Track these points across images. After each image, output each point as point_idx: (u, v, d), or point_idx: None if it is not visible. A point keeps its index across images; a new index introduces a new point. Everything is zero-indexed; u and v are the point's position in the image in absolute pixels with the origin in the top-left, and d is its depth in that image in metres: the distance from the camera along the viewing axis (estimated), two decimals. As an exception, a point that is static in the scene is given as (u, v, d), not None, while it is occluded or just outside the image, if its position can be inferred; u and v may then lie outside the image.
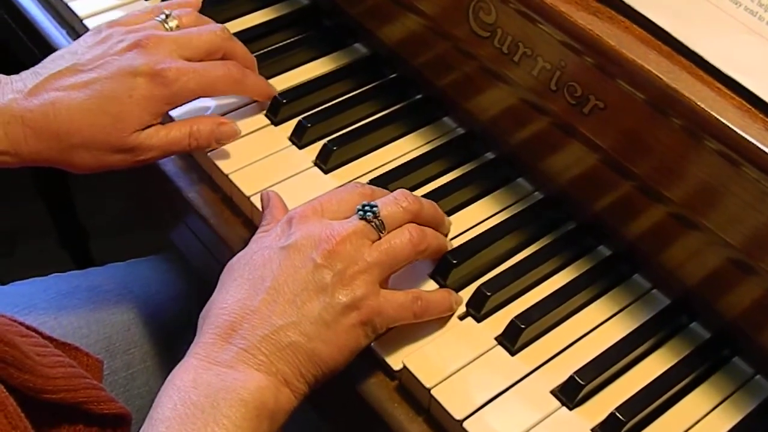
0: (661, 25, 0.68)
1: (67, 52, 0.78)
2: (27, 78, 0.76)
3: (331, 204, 0.70)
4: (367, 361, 0.69)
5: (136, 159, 0.76)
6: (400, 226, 0.69)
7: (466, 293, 0.73)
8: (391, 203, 0.70)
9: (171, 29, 0.80)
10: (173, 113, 0.82)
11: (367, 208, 0.68)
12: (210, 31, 0.80)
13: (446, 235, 0.76)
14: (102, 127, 0.74)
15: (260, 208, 0.76)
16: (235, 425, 0.59)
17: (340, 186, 0.73)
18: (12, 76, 0.76)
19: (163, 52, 0.77)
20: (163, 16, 0.81)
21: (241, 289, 0.66)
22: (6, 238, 1.78)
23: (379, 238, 0.68)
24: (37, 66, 0.77)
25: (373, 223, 0.68)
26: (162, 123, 0.78)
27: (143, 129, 0.76)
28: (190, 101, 0.79)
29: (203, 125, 0.79)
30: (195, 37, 0.79)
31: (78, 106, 0.74)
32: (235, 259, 0.69)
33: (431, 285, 0.74)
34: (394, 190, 0.78)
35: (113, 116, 0.74)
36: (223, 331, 0.64)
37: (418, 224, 0.70)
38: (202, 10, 0.91)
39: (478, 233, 0.77)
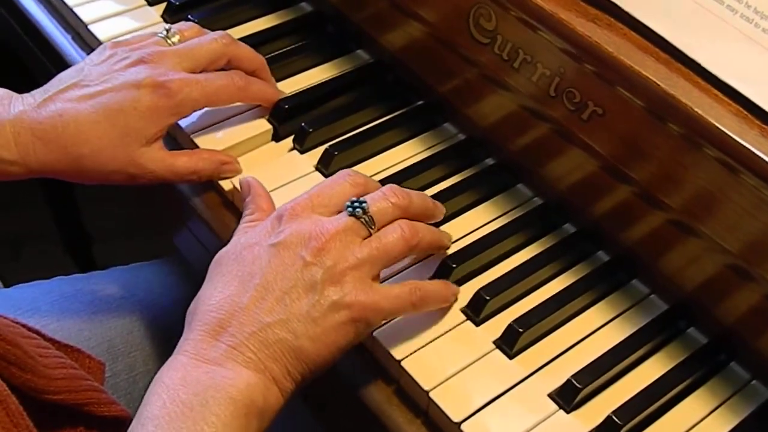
0: (659, 32, 0.69)
1: (74, 70, 0.79)
2: (36, 94, 0.77)
3: (321, 198, 0.70)
4: (366, 363, 0.69)
5: (136, 180, 0.78)
6: (391, 221, 0.69)
7: (465, 297, 0.74)
8: (380, 199, 0.70)
9: (173, 44, 0.81)
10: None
11: (356, 204, 0.68)
12: (211, 40, 0.81)
13: (440, 223, 0.76)
14: (110, 140, 0.75)
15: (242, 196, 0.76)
16: (224, 423, 0.59)
17: (332, 175, 0.73)
18: (23, 94, 0.78)
19: (166, 65, 0.78)
20: (164, 32, 0.82)
21: (230, 285, 0.66)
22: (12, 243, 1.79)
23: (369, 234, 0.68)
24: (46, 84, 0.79)
25: (362, 219, 0.68)
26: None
27: (150, 145, 0.77)
28: (195, 111, 0.80)
29: (207, 164, 0.80)
30: (196, 48, 0.80)
31: (85, 118, 0.75)
32: (222, 252, 0.69)
33: (430, 289, 0.74)
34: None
35: (120, 129, 0.75)
36: (212, 328, 0.64)
37: (409, 218, 0.70)
38: (208, 16, 0.93)
39: (477, 237, 0.77)
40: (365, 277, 0.66)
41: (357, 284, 0.66)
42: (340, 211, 0.69)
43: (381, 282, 0.70)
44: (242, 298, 0.65)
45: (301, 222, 0.68)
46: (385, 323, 0.70)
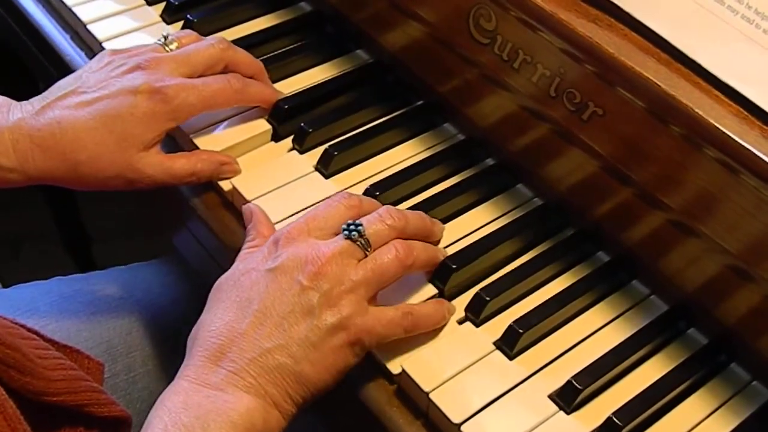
0: (660, 33, 0.69)
1: (73, 77, 0.80)
2: (35, 101, 0.78)
3: (317, 221, 0.70)
4: (366, 365, 0.69)
5: (135, 185, 0.78)
6: (386, 242, 0.69)
7: (465, 298, 0.74)
8: (376, 221, 0.70)
9: (171, 51, 0.81)
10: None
11: (352, 227, 0.69)
12: (208, 45, 0.81)
13: (438, 242, 0.76)
14: (107, 146, 0.75)
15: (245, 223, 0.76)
16: None
17: (328, 198, 0.73)
18: (22, 101, 0.78)
19: (163, 71, 0.78)
20: (163, 40, 0.82)
21: (229, 311, 0.66)
22: (12, 243, 1.79)
23: (365, 256, 0.68)
24: (45, 92, 0.79)
25: (358, 242, 0.68)
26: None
27: (147, 150, 0.77)
28: (193, 116, 0.80)
29: (206, 165, 0.80)
30: (193, 53, 0.81)
31: (83, 125, 0.75)
32: (222, 279, 0.70)
33: (430, 289, 0.74)
34: (395, 195, 0.79)
35: (117, 135, 0.75)
36: (212, 354, 0.64)
37: (405, 239, 0.71)
38: (207, 15, 0.93)
39: (477, 238, 0.77)
40: (361, 300, 0.67)
41: (353, 307, 0.66)
42: (336, 234, 0.69)
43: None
44: (241, 324, 0.65)
45: (297, 246, 0.68)
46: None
